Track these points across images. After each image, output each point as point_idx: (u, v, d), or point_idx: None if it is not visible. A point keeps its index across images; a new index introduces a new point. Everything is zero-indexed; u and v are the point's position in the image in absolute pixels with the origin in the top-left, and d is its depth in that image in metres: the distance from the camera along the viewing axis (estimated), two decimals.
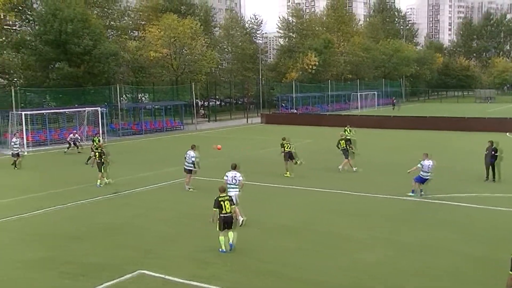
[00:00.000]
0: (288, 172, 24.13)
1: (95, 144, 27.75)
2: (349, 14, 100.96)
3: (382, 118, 52.96)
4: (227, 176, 16.35)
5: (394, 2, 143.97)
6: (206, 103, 70.77)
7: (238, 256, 13.23)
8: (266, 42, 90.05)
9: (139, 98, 56.63)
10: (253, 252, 13.60)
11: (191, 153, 21.15)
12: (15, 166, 28.07)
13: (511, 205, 18.13)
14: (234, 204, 13.86)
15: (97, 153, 22.87)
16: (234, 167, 16.38)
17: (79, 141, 35.07)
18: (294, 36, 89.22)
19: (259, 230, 15.38)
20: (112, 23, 57.93)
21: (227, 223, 13.38)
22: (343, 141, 25.08)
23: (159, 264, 12.79)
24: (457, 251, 13.42)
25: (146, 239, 15.00)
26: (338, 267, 12.44)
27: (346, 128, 32.28)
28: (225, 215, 13.28)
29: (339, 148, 25.28)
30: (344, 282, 11.56)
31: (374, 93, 79.09)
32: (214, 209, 13.38)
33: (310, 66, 77.23)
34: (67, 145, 34.55)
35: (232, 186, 16.04)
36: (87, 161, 27.32)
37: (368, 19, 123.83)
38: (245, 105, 68.38)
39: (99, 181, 22.56)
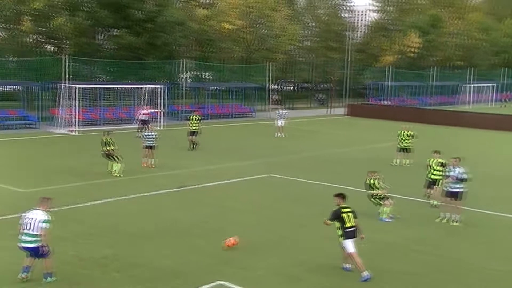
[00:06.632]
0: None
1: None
2: None
3: (503, 117, 44.91)
4: None
5: None
6: (280, 87, 62.85)
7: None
8: (355, 17, 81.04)
9: (204, 76, 51.73)
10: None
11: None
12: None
13: None
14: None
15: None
16: None
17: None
18: (392, 10, 78.61)
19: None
20: None
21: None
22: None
23: (242, 276, 12.31)
24: None
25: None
26: None
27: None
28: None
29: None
30: None
31: (491, 86, 67.91)
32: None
33: (411, 49, 67.90)
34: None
35: None
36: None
37: None
38: (329, 93, 60.98)
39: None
